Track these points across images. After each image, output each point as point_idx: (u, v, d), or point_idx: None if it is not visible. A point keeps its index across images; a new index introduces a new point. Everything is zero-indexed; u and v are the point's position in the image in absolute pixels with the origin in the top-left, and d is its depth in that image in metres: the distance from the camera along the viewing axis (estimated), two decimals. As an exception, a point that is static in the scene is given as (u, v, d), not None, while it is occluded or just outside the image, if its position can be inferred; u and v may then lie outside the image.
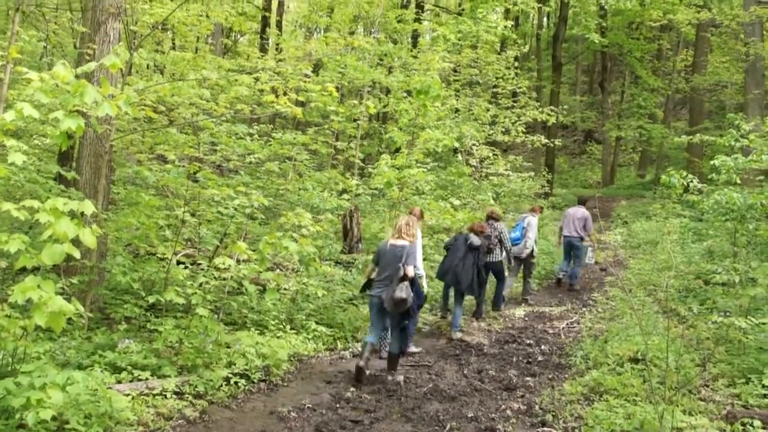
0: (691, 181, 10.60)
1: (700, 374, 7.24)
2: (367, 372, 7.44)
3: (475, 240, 9.79)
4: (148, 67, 16.34)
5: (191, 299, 7.21)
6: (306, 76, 8.89)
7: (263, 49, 19.95)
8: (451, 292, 10.27)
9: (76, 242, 4.56)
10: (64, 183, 8.98)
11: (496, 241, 10.93)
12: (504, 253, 11.09)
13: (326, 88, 7.98)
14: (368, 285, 7.93)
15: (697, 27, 25.63)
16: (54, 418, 4.75)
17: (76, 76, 4.71)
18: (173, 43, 22.16)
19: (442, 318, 10.41)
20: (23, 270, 7.81)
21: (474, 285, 9.68)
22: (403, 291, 7.26)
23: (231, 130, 10.88)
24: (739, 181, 10.48)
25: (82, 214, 4.63)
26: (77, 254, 4.62)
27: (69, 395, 4.63)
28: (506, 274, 11.56)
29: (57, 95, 4.82)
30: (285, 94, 7.80)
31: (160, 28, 10.05)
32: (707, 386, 7.05)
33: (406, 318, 7.64)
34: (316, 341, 8.70)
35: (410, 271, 7.40)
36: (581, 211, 13.52)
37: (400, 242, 7.67)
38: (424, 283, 9.19)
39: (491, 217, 11.32)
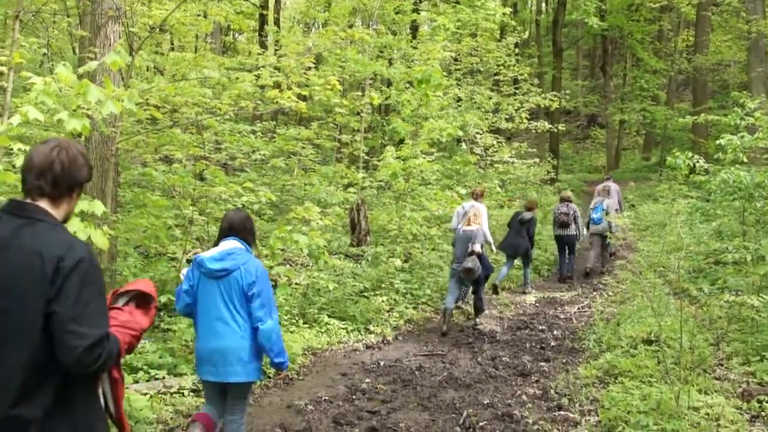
0: (697, 162, 10.56)
1: (714, 353, 7.24)
2: (448, 332, 9.35)
3: (526, 215, 12.25)
4: (148, 69, 16.34)
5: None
6: (308, 69, 8.87)
7: (263, 46, 19.89)
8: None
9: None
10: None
11: (572, 218, 13.07)
12: (577, 230, 13.16)
13: (329, 81, 7.98)
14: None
15: (698, 6, 25.52)
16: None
17: (79, 77, 4.72)
18: (172, 44, 22.16)
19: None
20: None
21: (528, 252, 12.26)
22: (470, 263, 9.21)
23: (235, 128, 10.89)
24: (745, 160, 10.44)
25: (92, 215, 4.64)
26: (88, 256, 4.62)
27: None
28: (577, 247, 13.56)
29: (61, 98, 4.84)
30: (289, 88, 7.79)
31: (159, 29, 10.02)
32: (721, 365, 7.04)
33: (478, 283, 9.66)
34: (329, 334, 8.71)
35: (477, 248, 9.37)
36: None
37: (469, 228, 9.68)
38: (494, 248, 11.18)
39: (565, 199, 13.55)
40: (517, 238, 12.11)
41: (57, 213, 2.49)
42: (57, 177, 2.47)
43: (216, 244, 4.70)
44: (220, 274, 4.42)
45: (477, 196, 10.97)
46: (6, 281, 2.25)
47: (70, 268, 2.28)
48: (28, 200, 2.46)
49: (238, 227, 4.66)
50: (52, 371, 2.31)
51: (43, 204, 2.45)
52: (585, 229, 13.72)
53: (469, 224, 9.71)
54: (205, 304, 4.49)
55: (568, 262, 13.70)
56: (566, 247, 13.61)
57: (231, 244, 4.57)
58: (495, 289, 11.75)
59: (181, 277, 4.74)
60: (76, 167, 2.53)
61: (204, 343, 4.48)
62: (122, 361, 2.79)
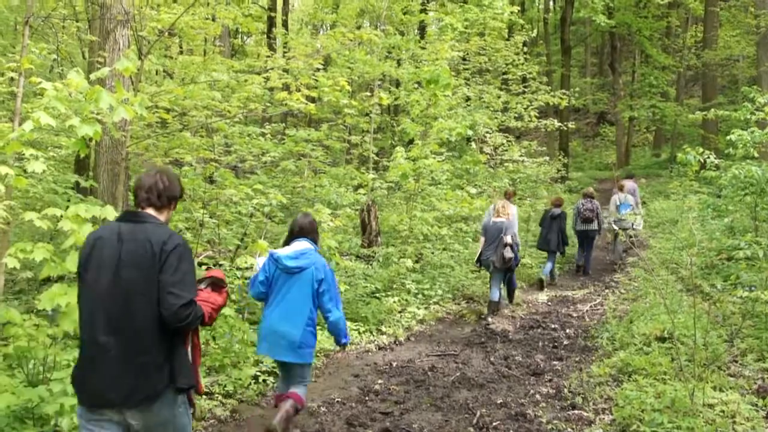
0: (708, 157, 10.51)
1: (728, 350, 7.19)
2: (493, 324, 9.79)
3: (556, 211, 12.84)
4: (157, 73, 16.41)
5: (215, 300, 7.25)
6: (317, 70, 8.88)
7: (271, 48, 19.92)
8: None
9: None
10: (82, 192, 9.04)
11: (595, 214, 13.41)
12: (599, 225, 13.53)
13: (338, 83, 7.98)
14: (479, 258, 10.47)
15: (706, 2, 25.40)
16: (88, 424, 4.80)
17: (90, 83, 4.73)
18: (181, 48, 22.23)
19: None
20: (47, 281, 7.90)
21: (560, 245, 12.78)
22: (508, 251, 9.86)
23: (244, 131, 10.90)
24: (756, 155, 10.39)
25: (104, 220, 4.66)
26: (101, 261, 4.64)
27: (101, 400, 4.65)
28: (596, 243, 13.93)
29: (72, 104, 4.86)
30: (298, 90, 7.79)
31: (168, 33, 10.05)
32: (736, 362, 6.99)
33: (510, 272, 10.36)
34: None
35: (508, 239, 9.91)
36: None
37: (499, 219, 10.20)
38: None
39: (588, 195, 13.91)
40: (551, 233, 12.73)
41: (161, 217, 3.55)
42: (160, 192, 3.55)
43: (286, 243, 5.56)
44: (294, 270, 5.31)
45: (509, 196, 11.65)
46: (133, 259, 3.28)
47: (170, 249, 3.31)
48: (139, 209, 3.53)
49: (307, 229, 5.57)
50: (166, 328, 3.30)
51: (150, 211, 3.53)
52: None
53: (498, 216, 10.25)
54: (277, 294, 5.38)
55: (585, 254, 14.12)
56: (588, 242, 13.97)
57: (303, 244, 5.45)
58: (541, 284, 12.55)
59: (257, 267, 5.67)
60: (173, 186, 3.63)
61: (268, 324, 5.37)
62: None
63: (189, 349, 3.54)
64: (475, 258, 10.78)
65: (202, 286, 3.69)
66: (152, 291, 3.26)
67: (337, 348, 6.45)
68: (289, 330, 5.24)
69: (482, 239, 10.48)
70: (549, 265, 12.91)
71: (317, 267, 5.31)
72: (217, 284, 3.77)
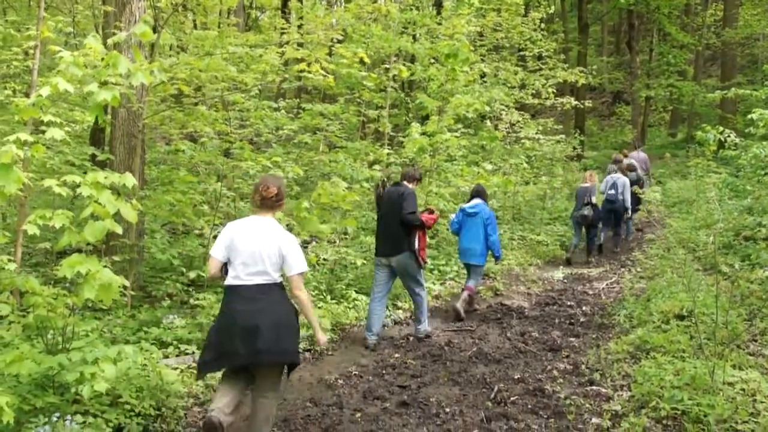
0: (728, 136, 10.37)
1: (748, 329, 7.12)
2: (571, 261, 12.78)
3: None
4: (171, 48, 16.31)
5: (232, 273, 7.24)
6: (337, 41, 8.78)
7: (287, 22, 19.77)
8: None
9: (116, 220, 4.56)
10: (98, 166, 9.01)
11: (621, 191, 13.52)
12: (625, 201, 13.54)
13: (357, 54, 7.89)
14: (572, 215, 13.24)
15: (727, -21, 24.99)
16: (107, 393, 4.80)
17: (108, 49, 4.68)
18: (195, 24, 22.10)
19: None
20: (62, 254, 7.91)
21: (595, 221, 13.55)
22: (586, 210, 12.54)
23: (259, 105, 10.83)
24: (777, 135, 10.24)
25: (123, 186, 4.62)
26: (119, 230, 4.61)
27: (120, 370, 4.65)
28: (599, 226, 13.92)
29: (89, 70, 4.80)
30: (317, 62, 7.71)
31: (183, 6, 9.97)
32: (755, 341, 6.92)
33: (593, 227, 13.04)
34: (357, 310, 8.69)
35: (593, 199, 12.56)
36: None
37: (585, 184, 12.95)
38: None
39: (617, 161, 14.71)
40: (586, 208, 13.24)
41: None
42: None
43: (468, 201, 9.63)
44: (472, 214, 9.31)
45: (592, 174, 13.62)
46: (391, 198, 7.73)
47: (405, 194, 7.56)
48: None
49: (481, 193, 9.59)
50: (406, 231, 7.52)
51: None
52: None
53: (585, 182, 13.07)
54: (464, 228, 9.38)
55: (621, 229, 14.07)
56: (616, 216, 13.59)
57: (476, 200, 9.45)
58: (600, 249, 13.67)
59: (452, 217, 9.80)
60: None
61: (462, 245, 9.39)
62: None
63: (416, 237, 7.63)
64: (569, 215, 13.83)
65: (422, 210, 7.93)
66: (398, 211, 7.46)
67: (497, 260, 9.77)
68: (474, 246, 9.19)
69: (575, 202, 13.11)
70: (603, 233, 13.57)
71: (484, 211, 9.26)
72: (429, 211, 8.01)
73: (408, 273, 7.73)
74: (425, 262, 7.88)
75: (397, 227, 7.52)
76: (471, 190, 9.81)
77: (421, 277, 7.90)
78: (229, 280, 4.56)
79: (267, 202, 4.71)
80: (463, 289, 9.28)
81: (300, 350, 5.47)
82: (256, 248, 4.52)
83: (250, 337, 4.38)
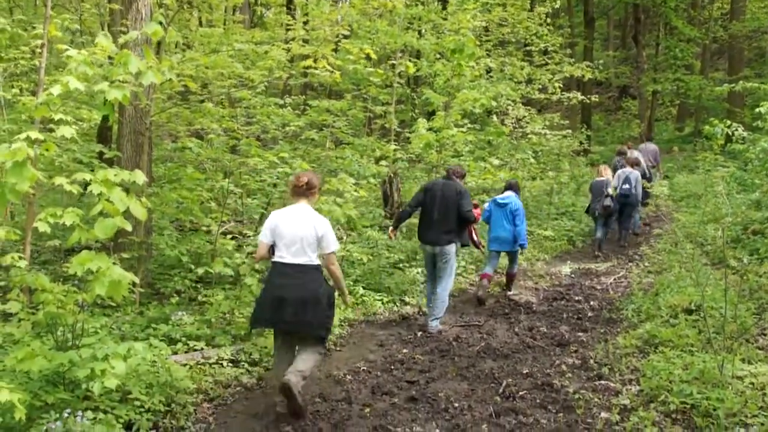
0: (736, 130, 10.34)
1: (757, 323, 7.11)
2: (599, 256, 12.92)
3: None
4: (176, 46, 16.35)
5: (239, 269, 7.27)
6: (343, 37, 8.78)
7: (293, 18, 19.78)
8: None
9: (125, 217, 4.57)
10: (106, 163, 9.04)
11: (634, 185, 13.47)
12: (637, 195, 13.56)
13: (364, 50, 7.89)
14: (588, 209, 13.60)
15: (733, -28, 24.87)
16: (117, 389, 4.83)
17: (119, 47, 4.69)
18: (200, 21, 22.15)
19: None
20: (71, 252, 7.94)
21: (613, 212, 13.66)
22: (605, 201, 12.71)
23: (265, 102, 10.86)
24: (786, 129, 10.21)
25: (133, 184, 4.64)
26: (129, 227, 4.64)
27: (130, 366, 4.68)
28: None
29: (99, 69, 4.82)
30: (324, 58, 7.72)
31: (189, 3, 9.99)
32: (764, 335, 6.91)
33: (609, 218, 13.26)
34: (365, 306, 8.71)
35: (610, 191, 12.74)
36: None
37: (600, 178, 13.10)
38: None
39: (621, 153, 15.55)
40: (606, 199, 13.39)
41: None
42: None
43: (502, 193, 10.20)
44: (503, 205, 9.81)
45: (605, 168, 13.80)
46: (446, 193, 8.17)
47: (463, 192, 8.18)
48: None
49: (514, 186, 10.19)
50: (459, 223, 8.09)
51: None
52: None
53: (600, 175, 13.24)
54: (495, 217, 9.86)
55: (629, 224, 13.99)
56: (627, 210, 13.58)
57: (509, 193, 9.99)
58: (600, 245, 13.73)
59: (485, 206, 10.15)
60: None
61: (492, 234, 9.87)
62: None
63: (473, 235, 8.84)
64: (585, 209, 14.09)
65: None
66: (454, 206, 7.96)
67: (521, 249, 10.10)
68: (504, 234, 9.74)
69: (591, 196, 13.33)
70: (601, 231, 13.37)
71: (513, 203, 9.76)
72: (474, 206, 8.49)
73: (449, 263, 8.12)
74: (482, 245, 9.68)
75: (453, 221, 8.04)
76: (505, 183, 10.57)
77: (454, 271, 8.43)
78: (276, 258, 5.43)
79: (299, 190, 5.55)
80: (481, 277, 9.72)
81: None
82: (295, 231, 5.38)
83: (294, 308, 5.25)
